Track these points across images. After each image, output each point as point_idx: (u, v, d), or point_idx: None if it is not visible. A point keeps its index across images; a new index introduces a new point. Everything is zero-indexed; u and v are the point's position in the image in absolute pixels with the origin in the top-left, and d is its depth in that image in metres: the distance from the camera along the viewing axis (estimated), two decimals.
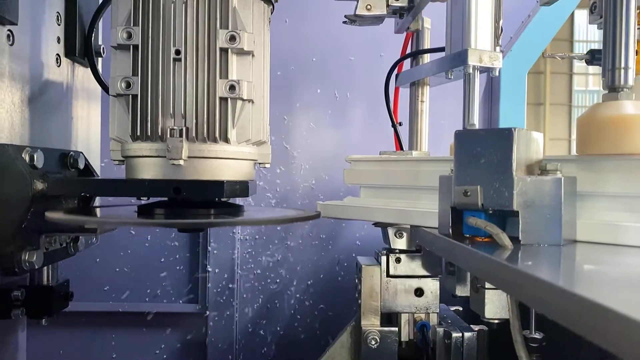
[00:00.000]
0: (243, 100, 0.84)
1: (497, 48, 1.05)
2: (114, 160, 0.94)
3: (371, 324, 1.10)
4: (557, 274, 0.58)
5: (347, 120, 1.76)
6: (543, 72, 5.96)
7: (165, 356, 1.74)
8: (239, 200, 1.11)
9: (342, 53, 1.75)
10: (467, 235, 0.74)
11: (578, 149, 0.79)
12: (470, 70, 1.04)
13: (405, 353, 1.14)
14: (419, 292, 1.12)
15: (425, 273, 1.12)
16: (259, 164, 0.97)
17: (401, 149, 1.30)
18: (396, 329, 1.11)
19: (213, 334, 1.70)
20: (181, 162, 0.81)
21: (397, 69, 1.30)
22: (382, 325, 1.11)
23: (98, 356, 1.73)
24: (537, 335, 0.87)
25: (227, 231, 1.69)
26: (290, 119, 1.74)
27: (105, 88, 1.12)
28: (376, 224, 1.14)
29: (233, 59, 0.85)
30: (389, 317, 1.15)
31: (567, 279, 0.55)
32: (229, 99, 0.83)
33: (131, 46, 0.83)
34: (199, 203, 0.89)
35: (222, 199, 0.91)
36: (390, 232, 1.11)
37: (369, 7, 1.09)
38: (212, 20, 0.82)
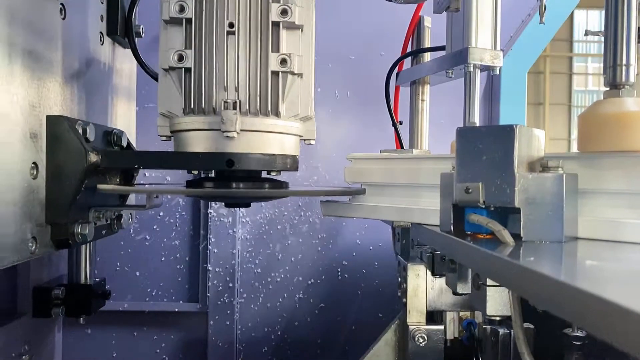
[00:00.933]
0: (294, 74, 0.84)
1: (497, 46, 1.06)
2: (161, 135, 0.93)
3: (417, 322, 1.10)
4: (559, 269, 0.58)
5: (348, 119, 1.76)
6: (543, 72, 5.96)
7: (165, 355, 1.74)
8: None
9: (342, 52, 1.75)
10: (469, 233, 0.74)
11: (579, 145, 0.80)
12: (471, 69, 1.04)
13: (451, 351, 1.14)
14: None
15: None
16: (304, 140, 0.96)
17: (402, 147, 1.30)
18: (442, 327, 1.11)
19: (213, 332, 1.70)
20: (235, 134, 0.81)
21: (397, 67, 1.30)
22: (427, 323, 1.11)
23: (98, 355, 1.73)
24: (580, 333, 0.86)
25: (227, 230, 1.69)
26: None
27: (145, 68, 1.13)
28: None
29: (284, 33, 0.85)
30: (432, 316, 1.15)
31: (568, 274, 0.55)
32: (280, 73, 0.83)
33: (184, 19, 0.83)
34: (243, 178, 0.89)
35: (267, 175, 0.91)
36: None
37: None
38: None
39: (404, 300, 1.11)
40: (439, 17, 1.15)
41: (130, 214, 1.33)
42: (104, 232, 1.10)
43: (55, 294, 1.20)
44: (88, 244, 1.25)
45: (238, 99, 0.83)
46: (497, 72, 1.08)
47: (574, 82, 6.30)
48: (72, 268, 1.26)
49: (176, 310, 1.71)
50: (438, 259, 1.10)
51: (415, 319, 1.10)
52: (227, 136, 0.81)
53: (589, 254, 0.65)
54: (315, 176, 1.75)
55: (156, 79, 0.91)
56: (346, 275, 1.76)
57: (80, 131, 0.92)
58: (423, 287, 1.10)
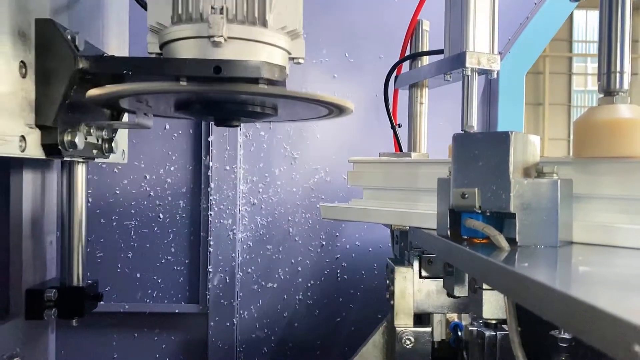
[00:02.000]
0: None
1: (495, 50, 1.06)
2: (151, 53, 0.93)
3: (405, 324, 1.11)
4: (554, 275, 0.59)
5: (347, 121, 1.77)
6: (542, 72, 5.97)
7: (166, 356, 1.75)
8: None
9: (341, 54, 1.76)
10: (465, 237, 0.75)
11: (574, 151, 0.81)
12: (469, 73, 1.05)
13: (438, 353, 1.15)
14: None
15: None
16: (293, 58, 0.96)
17: (400, 150, 1.31)
18: (429, 329, 1.11)
19: (214, 334, 1.71)
20: (222, 39, 0.81)
21: (396, 70, 1.31)
22: (414, 325, 1.11)
23: (99, 357, 1.74)
24: (567, 335, 0.87)
25: (227, 232, 1.70)
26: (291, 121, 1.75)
27: None
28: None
29: None
30: (420, 318, 1.16)
31: (563, 281, 0.56)
32: None
33: None
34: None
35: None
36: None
37: None
38: None
39: (392, 302, 1.12)
40: (438, 21, 1.16)
41: (123, 150, 1.35)
42: (94, 152, 1.12)
43: (47, 296, 1.20)
44: (80, 245, 1.25)
45: (225, 5, 0.83)
46: (495, 76, 1.09)
47: (574, 82, 6.30)
48: (65, 270, 1.27)
49: (177, 311, 1.72)
50: (425, 262, 1.11)
51: (403, 321, 1.11)
52: (214, 41, 0.82)
53: (583, 259, 0.66)
54: (315, 177, 1.76)
55: (146, 8, 0.91)
56: (345, 276, 1.77)
57: (69, 37, 0.94)
58: (410, 290, 1.11)
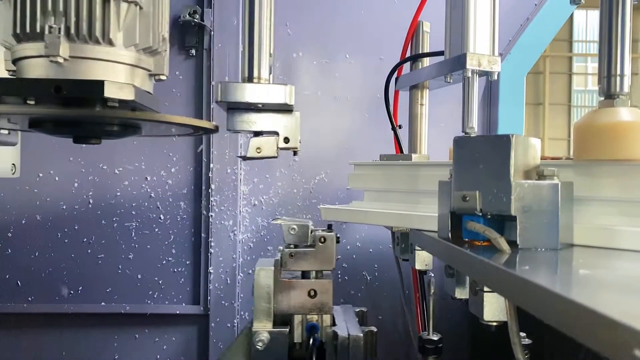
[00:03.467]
0: (128, 2, 0.84)
1: (496, 52, 1.07)
2: (8, 70, 0.92)
3: (263, 325, 1.10)
4: (554, 278, 0.59)
5: (347, 122, 1.77)
6: (542, 72, 5.96)
7: (167, 358, 1.75)
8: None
9: (342, 56, 1.76)
10: (466, 240, 0.75)
11: (575, 154, 0.81)
12: (469, 74, 1.05)
13: (298, 354, 1.14)
14: (312, 293, 1.14)
15: (318, 268, 1.15)
16: (153, 75, 0.95)
17: (401, 151, 1.31)
18: (286, 329, 1.11)
19: (215, 335, 1.71)
20: (60, 59, 0.80)
21: (396, 72, 1.31)
22: (275, 326, 1.11)
23: (100, 357, 1.74)
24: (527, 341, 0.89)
25: (227, 233, 1.70)
26: None
27: None
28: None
29: None
30: (288, 319, 1.16)
31: (563, 283, 0.56)
32: (111, 0, 0.82)
33: None
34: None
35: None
36: (285, 228, 1.13)
37: (259, 150, 1.14)
38: None
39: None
40: (438, 23, 1.16)
41: (14, 164, 1.31)
42: None
43: None
44: None
45: (66, 24, 0.82)
46: (495, 78, 1.10)
47: (574, 82, 6.30)
48: None
49: (177, 312, 1.72)
50: (286, 255, 1.13)
51: (262, 323, 1.10)
52: (52, 61, 0.81)
53: (583, 262, 0.66)
54: (316, 178, 1.76)
55: None
56: (346, 277, 1.77)
57: None
58: (270, 290, 1.11)
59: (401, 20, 1.33)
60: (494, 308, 0.76)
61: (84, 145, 1.68)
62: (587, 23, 6.21)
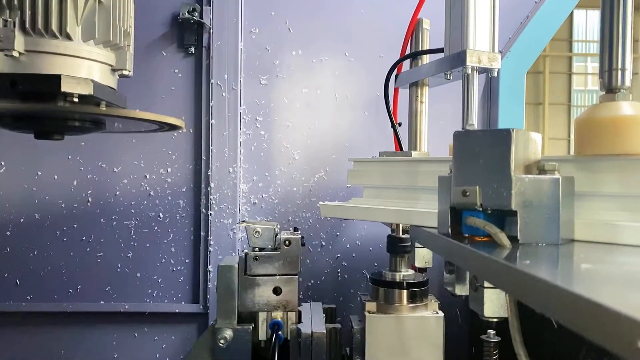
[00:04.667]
0: None
1: (496, 49, 1.06)
2: None
3: (228, 322, 1.10)
4: (555, 273, 0.59)
5: (347, 120, 1.77)
6: (542, 71, 5.96)
7: (166, 357, 1.75)
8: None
9: (341, 54, 1.76)
10: (466, 235, 0.75)
11: (576, 149, 0.80)
12: (469, 71, 1.05)
13: (263, 352, 1.15)
14: (277, 290, 1.14)
15: (283, 272, 1.14)
16: (116, 70, 0.94)
17: (401, 149, 1.31)
18: (250, 327, 1.11)
19: None
20: (15, 53, 0.79)
21: (396, 69, 1.31)
22: (240, 324, 1.11)
23: (99, 356, 1.73)
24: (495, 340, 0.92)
25: (227, 232, 1.69)
26: (291, 120, 1.75)
27: None
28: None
29: None
30: (251, 316, 1.16)
31: (564, 277, 0.56)
32: None
33: None
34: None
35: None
36: (249, 231, 1.13)
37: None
38: None
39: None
40: (438, 20, 1.16)
41: None
42: None
43: None
44: None
45: (22, 18, 0.81)
46: (495, 75, 1.09)
47: (574, 82, 6.30)
48: None
49: (177, 311, 1.72)
50: (251, 260, 1.12)
51: (226, 320, 1.10)
52: (7, 55, 0.80)
53: (584, 257, 0.66)
54: (316, 176, 1.76)
55: None
56: (346, 276, 1.77)
57: None
58: (235, 287, 1.11)
59: (401, 17, 1.32)
60: (494, 304, 0.76)
61: (82, 143, 1.68)
62: (587, 23, 6.22)
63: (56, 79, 0.80)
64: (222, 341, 1.08)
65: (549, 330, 1.05)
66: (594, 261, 0.64)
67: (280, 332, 1.13)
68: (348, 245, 1.76)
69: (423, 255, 1.14)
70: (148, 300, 1.72)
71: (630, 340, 0.35)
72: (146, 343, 1.74)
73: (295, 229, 1.23)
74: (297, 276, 1.15)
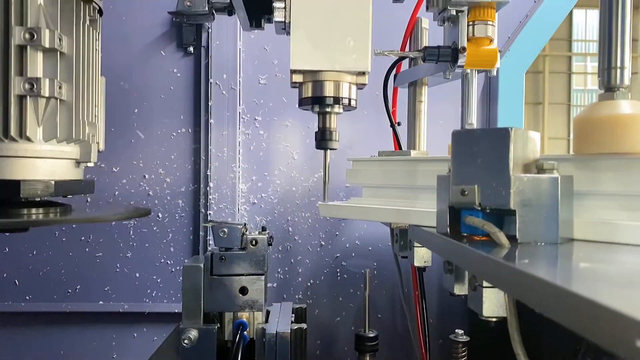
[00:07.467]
0: (47, 98, 0.82)
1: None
2: None
3: (193, 322, 1.10)
4: (554, 272, 0.59)
5: (346, 120, 1.77)
6: (542, 71, 5.96)
7: None
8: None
9: None
10: (465, 234, 0.75)
11: (575, 148, 0.80)
12: (468, 71, 1.05)
13: (229, 352, 1.14)
14: (244, 290, 1.14)
15: (249, 272, 1.14)
16: (81, 162, 0.94)
17: (400, 148, 1.31)
18: (214, 327, 1.11)
19: None
20: None
21: (395, 69, 1.30)
22: (206, 324, 1.11)
23: (98, 356, 1.73)
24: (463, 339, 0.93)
25: None
26: (290, 120, 1.75)
27: None
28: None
29: (36, 56, 0.82)
30: (220, 316, 1.16)
31: (563, 277, 0.55)
32: (28, 97, 0.81)
33: None
34: (29, 203, 0.86)
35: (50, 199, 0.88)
36: (215, 230, 1.13)
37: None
38: (8, 17, 0.80)
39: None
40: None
41: None
42: None
43: None
44: None
45: None
46: (495, 74, 1.09)
47: (573, 82, 6.29)
48: None
49: (176, 311, 1.71)
50: (217, 260, 1.12)
51: (191, 320, 1.10)
52: None
53: (583, 256, 0.65)
54: (315, 176, 1.75)
55: None
56: (345, 276, 1.76)
57: None
58: (199, 287, 1.10)
59: (399, 17, 1.32)
60: (493, 304, 0.75)
61: None
62: (587, 22, 6.21)
63: (15, 184, 0.80)
64: (186, 341, 1.08)
65: (548, 329, 1.05)
66: (593, 260, 0.63)
67: (245, 332, 1.13)
68: (347, 245, 1.76)
69: (422, 255, 1.14)
70: (147, 300, 1.72)
71: (629, 340, 0.35)
72: (145, 343, 1.73)
73: (264, 229, 1.23)
74: (263, 276, 1.14)
